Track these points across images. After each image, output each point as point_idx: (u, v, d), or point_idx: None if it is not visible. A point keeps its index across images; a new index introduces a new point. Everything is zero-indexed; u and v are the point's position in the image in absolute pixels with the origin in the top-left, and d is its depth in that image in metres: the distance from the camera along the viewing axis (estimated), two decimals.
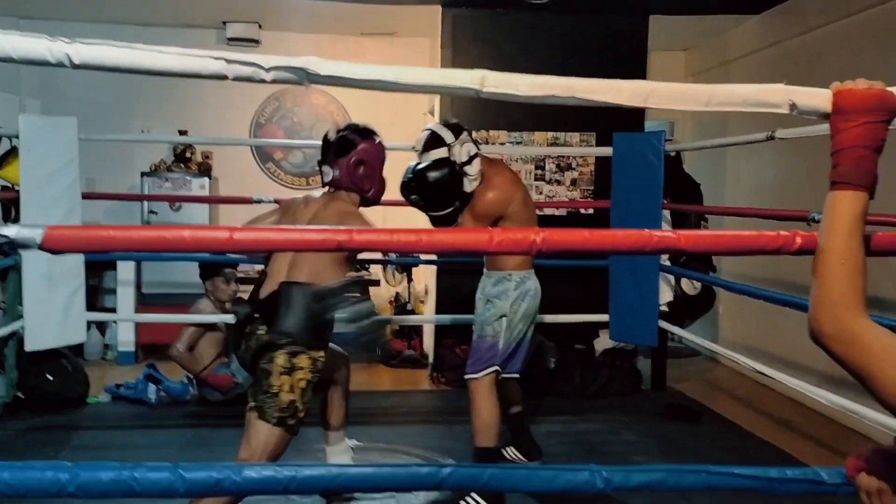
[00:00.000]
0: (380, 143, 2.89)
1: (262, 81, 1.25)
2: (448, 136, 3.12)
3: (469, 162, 3.11)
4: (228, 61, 1.23)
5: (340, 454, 3.24)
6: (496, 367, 3.19)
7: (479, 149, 3.21)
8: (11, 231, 1.28)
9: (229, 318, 4.41)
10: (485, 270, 3.36)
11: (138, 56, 1.22)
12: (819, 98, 1.22)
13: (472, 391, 3.19)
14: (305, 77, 1.25)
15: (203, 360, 4.45)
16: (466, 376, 3.24)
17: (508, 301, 3.21)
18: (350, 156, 2.79)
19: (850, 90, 1.15)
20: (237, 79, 1.25)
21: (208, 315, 4.50)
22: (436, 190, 3.09)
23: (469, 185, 3.14)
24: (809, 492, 1.42)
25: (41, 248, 1.28)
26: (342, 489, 1.32)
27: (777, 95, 1.28)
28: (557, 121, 5.49)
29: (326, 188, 2.88)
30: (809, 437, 4.28)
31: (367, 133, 2.87)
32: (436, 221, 3.16)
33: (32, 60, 1.22)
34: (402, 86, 1.26)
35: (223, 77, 1.25)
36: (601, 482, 1.36)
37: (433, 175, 3.09)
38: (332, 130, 2.89)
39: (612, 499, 3.17)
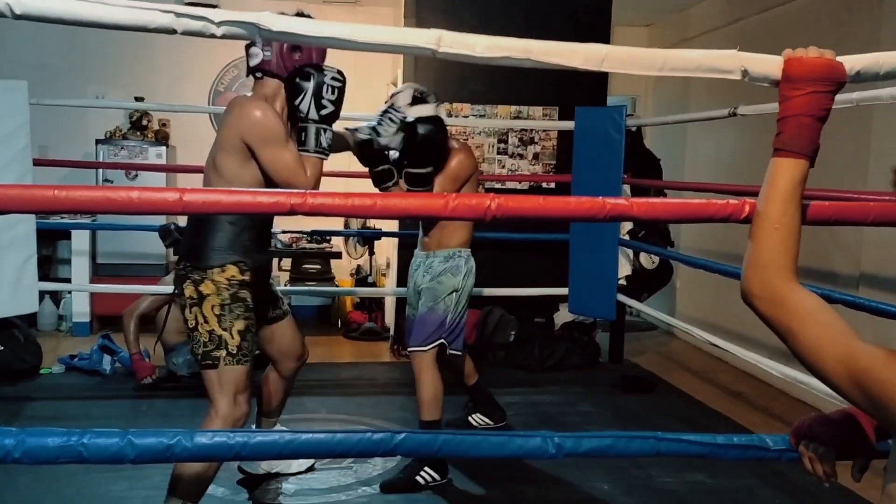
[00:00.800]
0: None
1: (213, 36, 1.22)
2: (430, 96, 3.13)
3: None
4: (178, 15, 1.19)
5: None
6: (442, 341, 3.18)
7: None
8: None
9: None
10: (425, 251, 3.29)
11: (84, 8, 1.17)
12: (770, 65, 1.23)
13: (418, 364, 3.16)
14: (257, 33, 1.22)
15: (169, 337, 4.34)
16: (411, 349, 3.21)
17: (460, 276, 3.21)
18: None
19: (799, 58, 1.16)
20: (186, 33, 1.21)
21: (167, 287, 4.42)
22: (426, 144, 2.99)
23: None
24: (755, 458, 1.45)
25: None
26: (294, 455, 1.31)
27: (729, 61, 1.28)
28: (521, 94, 5.48)
29: (251, 76, 2.59)
30: (761, 409, 4.39)
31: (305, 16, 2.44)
32: (415, 180, 3.01)
33: None
34: (357, 44, 1.24)
35: (172, 31, 1.21)
36: (553, 448, 1.38)
37: (426, 128, 2.99)
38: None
39: (573, 471, 3.23)
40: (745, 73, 1.25)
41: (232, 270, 2.46)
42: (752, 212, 1.32)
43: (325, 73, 2.45)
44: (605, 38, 5.62)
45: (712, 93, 5.73)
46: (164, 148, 5.90)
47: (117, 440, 1.36)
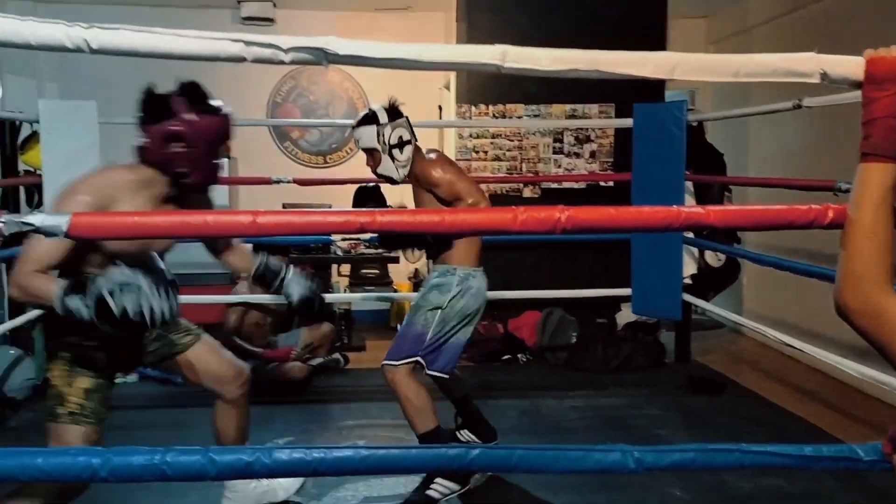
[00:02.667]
0: (223, 117, 2.35)
1: (281, 63, 1.24)
2: (383, 116, 3.01)
3: (399, 146, 2.99)
4: (247, 43, 1.21)
5: None
6: (417, 358, 2.97)
7: (414, 140, 3.07)
8: (37, 219, 1.28)
9: (260, 298, 4.44)
10: (430, 263, 3.22)
11: (156, 40, 1.20)
12: (851, 66, 1.18)
13: (391, 381, 2.96)
14: (324, 57, 1.24)
15: (257, 340, 4.51)
16: (384, 362, 3.01)
17: (448, 295, 3.00)
18: (164, 124, 2.23)
19: (883, 57, 1.11)
20: (256, 61, 1.24)
21: (244, 295, 4.52)
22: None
23: (397, 172, 3.02)
24: (845, 469, 1.40)
25: (67, 235, 1.28)
26: (371, 471, 1.31)
27: (807, 64, 1.24)
28: (575, 93, 5.42)
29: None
30: (836, 409, 4.25)
31: (200, 99, 2.32)
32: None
33: (51, 46, 1.22)
34: (422, 64, 1.24)
35: (242, 59, 1.23)
36: (633, 462, 1.36)
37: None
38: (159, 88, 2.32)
39: (642, 476, 3.17)
40: (824, 75, 1.21)
41: (58, 366, 2.28)
42: (836, 217, 1.28)
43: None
44: (661, 31, 5.54)
45: (776, 83, 5.58)
46: (226, 160, 6.03)
47: (199, 457, 1.39)
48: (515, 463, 1.39)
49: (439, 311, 2.98)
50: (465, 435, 3.49)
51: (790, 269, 3.55)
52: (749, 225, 1.38)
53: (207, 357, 2.57)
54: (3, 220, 1.28)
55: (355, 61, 1.24)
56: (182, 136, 2.21)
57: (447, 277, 3.03)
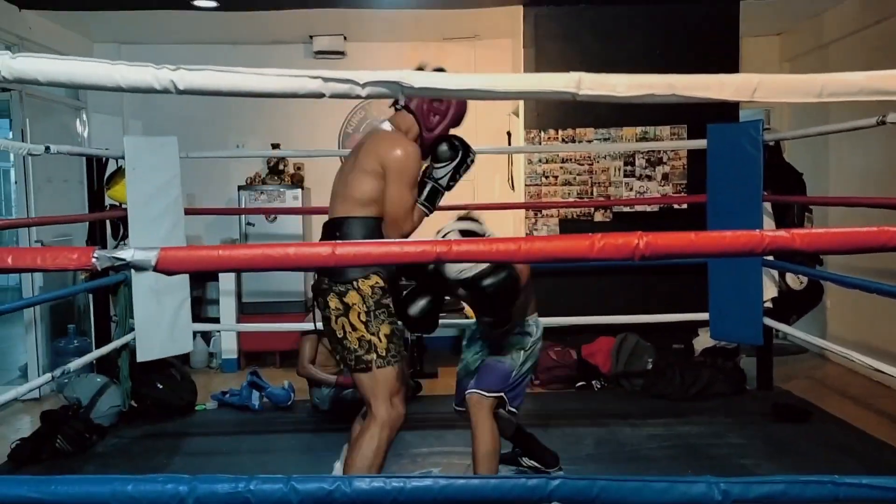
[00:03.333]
0: (464, 106, 2.85)
1: (358, 97, 1.27)
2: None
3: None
4: (325, 80, 1.25)
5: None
6: (502, 395, 2.99)
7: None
8: (128, 254, 1.34)
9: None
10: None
11: (239, 79, 1.25)
12: None
13: (475, 410, 2.95)
14: (400, 91, 1.26)
15: (329, 367, 4.56)
16: (473, 390, 2.99)
17: (529, 339, 3.09)
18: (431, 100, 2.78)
19: None
20: (334, 96, 1.27)
21: (308, 322, 4.60)
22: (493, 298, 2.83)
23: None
24: None
25: (156, 269, 1.33)
26: (450, 501, 1.31)
27: (895, 82, 1.20)
28: (646, 114, 5.36)
29: (393, 108, 2.89)
30: None
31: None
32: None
33: (140, 89, 1.28)
34: (497, 94, 1.25)
35: (320, 95, 1.27)
36: (719, 494, 1.31)
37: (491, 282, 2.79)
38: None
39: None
40: None
41: (375, 279, 2.63)
42: None
43: (470, 153, 2.82)
44: (733, 50, 5.44)
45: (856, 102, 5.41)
46: (299, 190, 6.18)
47: (281, 486, 1.41)
48: (597, 494, 1.36)
49: (523, 351, 3.07)
50: (526, 462, 3.49)
51: (877, 291, 3.40)
52: (837, 248, 1.33)
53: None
54: (95, 255, 1.34)
55: (430, 94, 1.26)
56: (442, 100, 2.74)
57: (528, 328, 3.13)
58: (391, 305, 2.67)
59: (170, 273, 1.34)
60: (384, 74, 1.24)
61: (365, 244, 1.34)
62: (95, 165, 4.60)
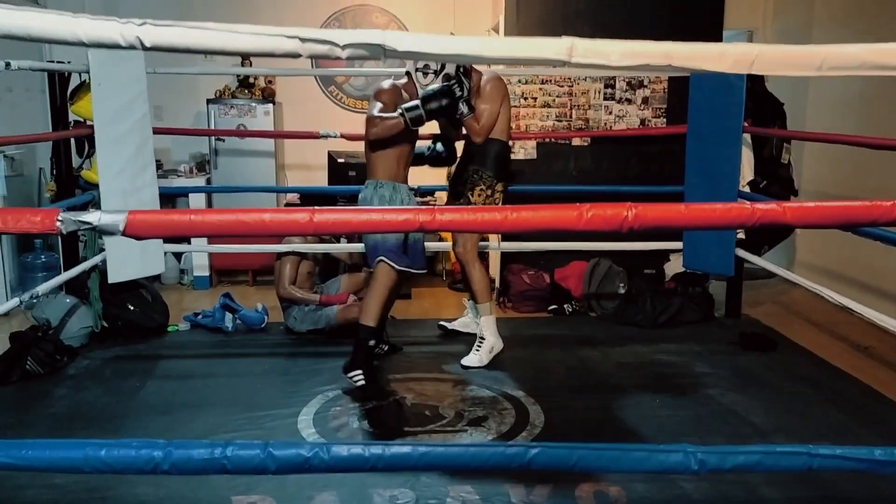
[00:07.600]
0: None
1: (338, 59, 1.19)
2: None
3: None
4: (303, 40, 1.16)
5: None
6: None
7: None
8: (94, 217, 1.27)
9: (310, 248, 4.52)
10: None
11: (211, 37, 1.16)
12: None
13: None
14: (382, 53, 1.18)
15: (307, 288, 4.59)
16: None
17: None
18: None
19: None
20: (312, 56, 1.19)
21: (296, 245, 4.55)
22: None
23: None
24: None
25: (124, 234, 1.27)
26: (428, 468, 1.31)
27: None
28: (629, 36, 5.20)
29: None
30: (890, 365, 4.16)
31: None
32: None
33: (104, 44, 1.18)
34: (486, 59, 1.18)
35: (297, 55, 1.19)
36: (696, 464, 1.33)
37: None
38: None
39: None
40: None
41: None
42: None
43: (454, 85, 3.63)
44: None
45: (841, 22, 5.30)
46: (271, 105, 6.00)
47: (258, 452, 1.40)
48: (575, 462, 1.37)
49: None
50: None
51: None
52: (829, 222, 1.31)
53: None
54: (60, 218, 1.28)
55: (416, 57, 1.19)
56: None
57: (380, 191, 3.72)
58: None
59: (139, 238, 1.29)
60: (366, 35, 1.16)
61: (344, 211, 1.29)
62: (58, 79, 4.40)
